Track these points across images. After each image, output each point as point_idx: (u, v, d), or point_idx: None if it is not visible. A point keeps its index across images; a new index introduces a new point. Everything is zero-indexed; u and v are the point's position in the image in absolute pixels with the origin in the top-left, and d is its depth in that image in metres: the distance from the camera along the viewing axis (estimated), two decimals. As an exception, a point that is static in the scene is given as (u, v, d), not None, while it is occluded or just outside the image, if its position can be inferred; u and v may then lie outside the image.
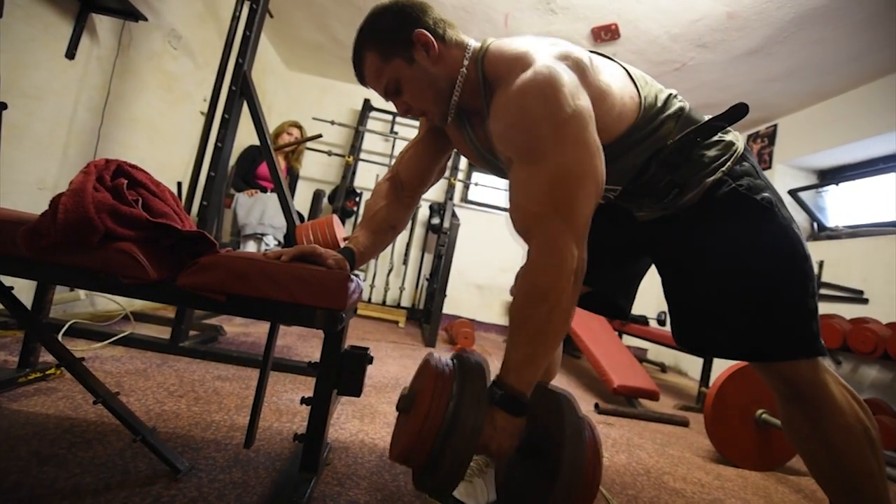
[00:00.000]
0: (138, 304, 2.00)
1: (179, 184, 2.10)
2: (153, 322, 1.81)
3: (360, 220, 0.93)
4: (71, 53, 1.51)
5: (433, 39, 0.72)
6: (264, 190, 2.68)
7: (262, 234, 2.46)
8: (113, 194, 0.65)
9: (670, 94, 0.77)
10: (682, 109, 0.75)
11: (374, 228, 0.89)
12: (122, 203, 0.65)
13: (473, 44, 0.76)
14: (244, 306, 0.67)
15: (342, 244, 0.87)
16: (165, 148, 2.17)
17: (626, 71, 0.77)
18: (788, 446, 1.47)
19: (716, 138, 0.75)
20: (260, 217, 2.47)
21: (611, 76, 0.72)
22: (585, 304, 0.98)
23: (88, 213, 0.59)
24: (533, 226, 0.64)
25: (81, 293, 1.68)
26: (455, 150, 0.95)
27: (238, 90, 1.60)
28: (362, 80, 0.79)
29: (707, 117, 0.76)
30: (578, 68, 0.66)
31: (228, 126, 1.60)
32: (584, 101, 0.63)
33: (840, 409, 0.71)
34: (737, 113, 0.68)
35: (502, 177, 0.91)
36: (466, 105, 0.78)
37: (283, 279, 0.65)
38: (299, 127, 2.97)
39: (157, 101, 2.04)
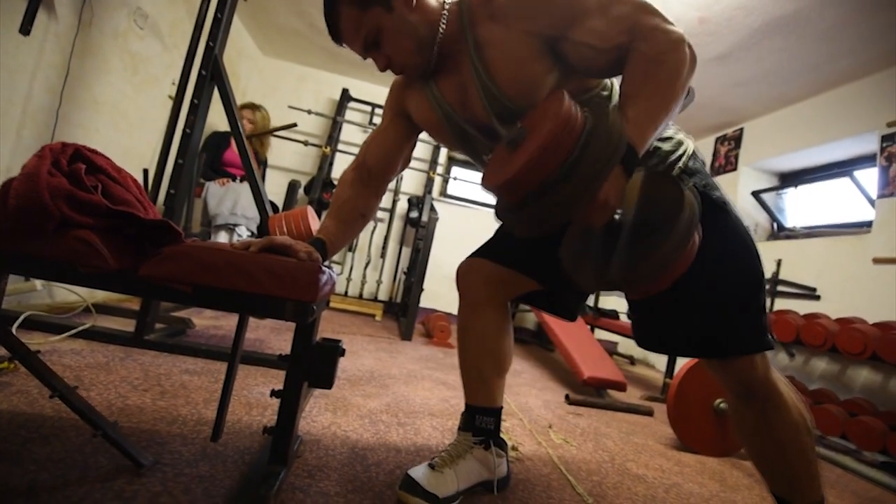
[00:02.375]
0: (100, 296, 1.91)
1: (146, 171, 2.01)
2: (117, 314, 1.75)
3: (328, 209, 0.91)
4: (26, 29, 1.42)
5: None
6: (234, 178, 2.60)
7: (235, 225, 2.40)
8: (70, 180, 0.62)
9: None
10: None
11: (344, 218, 0.89)
12: (80, 189, 0.62)
13: None
14: (211, 298, 0.65)
15: (315, 236, 0.86)
16: (130, 132, 2.07)
17: None
18: (743, 433, 1.56)
19: (667, 134, 0.79)
20: (232, 207, 2.39)
21: None
22: (536, 303, 0.99)
23: (43, 199, 0.57)
24: (631, 34, 0.65)
25: (38, 283, 1.59)
26: (423, 132, 0.94)
27: (208, 75, 1.55)
28: (337, 35, 0.76)
29: None
30: None
31: (198, 112, 1.55)
32: None
33: (787, 407, 0.75)
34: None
35: (469, 153, 0.90)
36: (442, 53, 0.77)
37: (252, 270, 0.64)
38: (254, 108, 2.79)
39: (121, 83, 1.95)
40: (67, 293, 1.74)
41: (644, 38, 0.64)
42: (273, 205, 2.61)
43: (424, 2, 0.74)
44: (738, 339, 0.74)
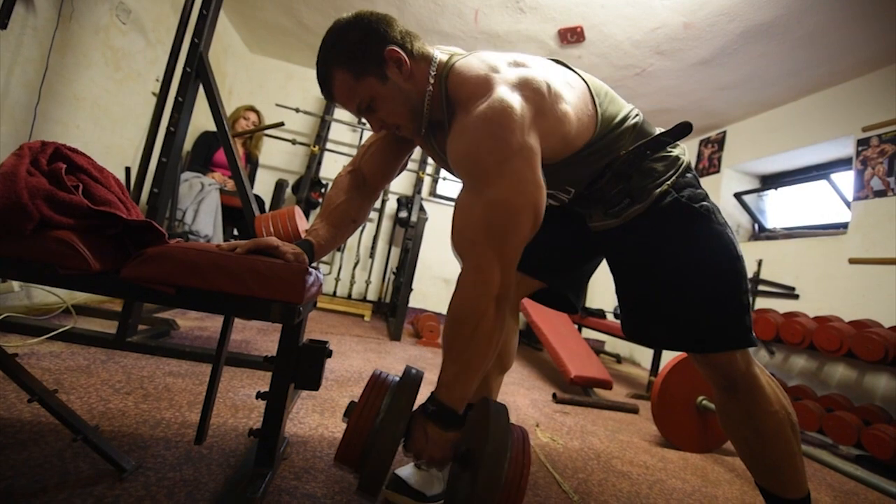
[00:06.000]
0: (81, 297, 1.87)
1: (128, 169, 1.97)
2: (98, 316, 1.71)
3: (319, 210, 0.91)
4: (3, 23, 1.38)
5: (404, 55, 0.72)
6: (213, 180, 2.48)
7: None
8: (50, 179, 0.61)
9: (630, 110, 0.81)
10: (636, 124, 0.79)
11: (335, 222, 0.88)
12: (61, 189, 0.61)
13: (438, 56, 0.76)
14: (195, 299, 0.64)
15: (304, 237, 0.85)
16: (112, 130, 2.03)
17: (587, 84, 0.78)
18: (725, 430, 1.60)
19: (664, 153, 0.80)
20: (192, 220, 2.17)
21: (570, 98, 0.72)
22: (540, 299, 1.04)
23: (21, 199, 0.56)
24: (466, 250, 0.68)
25: (15, 285, 1.55)
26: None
27: (193, 72, 1.52)
28: (330, 98, 0.78)
29: (658, 130, 0.81)
30: (536, 99, 0.67)
31: (182, 109, 1.52)
32: (531, 140, 0.66)
33: (768, 399, 0.79)
34: (681, 131, 0.74)
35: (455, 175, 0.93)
36: (431, 118, 0.79)
37: (238, 271, 0.63)
38: (256, 111, 2.84)
39: (103, 79, 1.90)
40: (46, 294, 1.69)
41: (456, 288, 0.68)
42: (259, 199, 2.56)
43: (415, 71, 0.74)
44: (720, 336, 0.78)
